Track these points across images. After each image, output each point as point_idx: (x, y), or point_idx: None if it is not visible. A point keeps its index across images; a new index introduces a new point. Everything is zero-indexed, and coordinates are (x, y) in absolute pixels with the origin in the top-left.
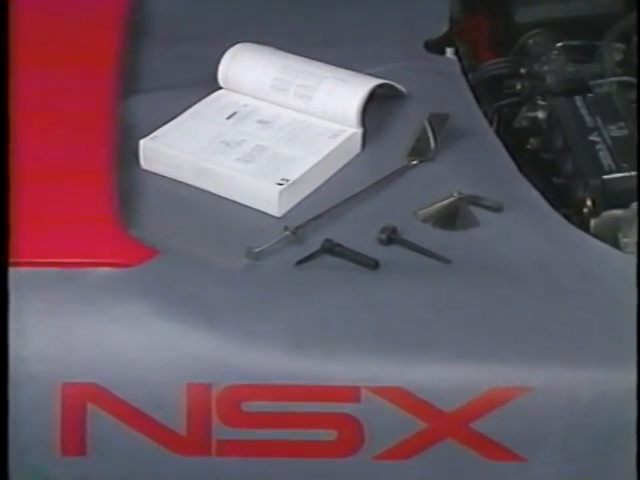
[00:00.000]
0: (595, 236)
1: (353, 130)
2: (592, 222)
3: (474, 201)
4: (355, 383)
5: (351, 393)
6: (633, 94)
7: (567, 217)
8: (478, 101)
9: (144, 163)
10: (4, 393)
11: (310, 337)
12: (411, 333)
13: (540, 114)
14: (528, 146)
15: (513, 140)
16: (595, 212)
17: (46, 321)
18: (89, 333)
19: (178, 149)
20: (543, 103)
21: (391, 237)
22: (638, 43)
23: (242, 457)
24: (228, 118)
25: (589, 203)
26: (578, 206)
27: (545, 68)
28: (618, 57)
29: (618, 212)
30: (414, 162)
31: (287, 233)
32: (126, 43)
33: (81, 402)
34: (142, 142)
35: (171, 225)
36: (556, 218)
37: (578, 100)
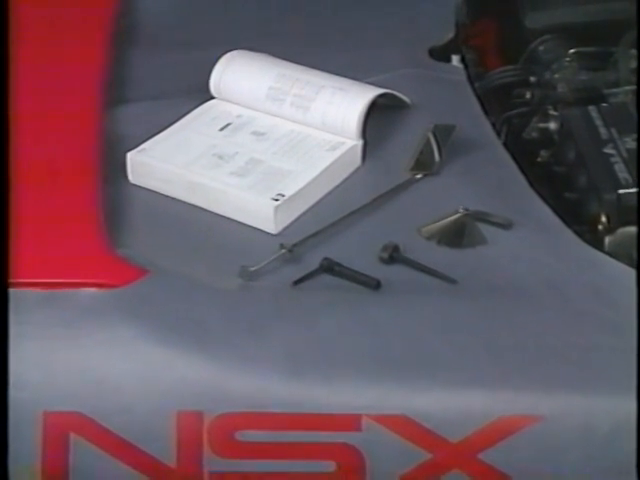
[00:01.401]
0: (610, 254)
1: (353, 142)
2: (607, 239)
3: (481, 217)
4: (356, 411)
5: (351, 421)
6: None
7: (580, 234)
8: (485, 111)
9: (132, 177)
10: (4, 395)
11: (308, 362)
12: (415, 358)
13: (551, 125)
14: (539, 159)
15: (523, 153)
16: (610, 229)
17: (27, 345)
18: (73, 358)
19: (168, 162)
20: (555, 113)
21: (393, 255)
22: (638, 48)
23: None
24: (221, 129)
25: (604, 219)
26: (592, 222)
27: (557, 76)
28: (634, 64)
29: (634, 229)
30: (418, 176)
31: (283, 251)
32: (112, 50)
33: (64, 432)
34: (130, 155)
35: (161, 243)
36: (569, 235)
37: (592, 110)
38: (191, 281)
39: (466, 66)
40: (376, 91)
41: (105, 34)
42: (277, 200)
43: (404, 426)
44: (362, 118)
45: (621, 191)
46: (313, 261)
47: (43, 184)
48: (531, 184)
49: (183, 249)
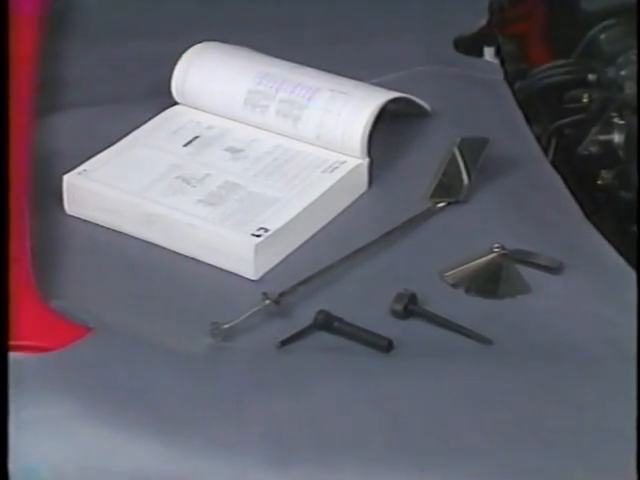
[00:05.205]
0: None
1: (357, 161)
2: None
3: (523, 258)
4: None
5: None
6: None
7: None
8: (529, 120)
9: (69, 206)
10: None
11: (298, 446)
12: (437, 441)
13: (616, 137)
14: (599, 181)
15: (577, 173)
16: None
17: None
18: None
19: (116, 188)
20: (620, 122)
21: (409, 308)
22: (638, 48)
23: None
24: (186, 145)
25: None
26: None
27: (622, 73)
28: None
29: None
30: (440, 204)
31: (267, 302)
32: (45, 43)
33: None
34: (66, 178)
35: (107, 292)
36: (636, 281)
37: None
38: (147, 342)
39: (503, 61)
40: (386, 95)
41: (35, 22)
42: (258, 236)
43: None
44: (368, 130)
45: None
46: (305, 315)
47: None
48: (588, 215)
49: (136, 300)
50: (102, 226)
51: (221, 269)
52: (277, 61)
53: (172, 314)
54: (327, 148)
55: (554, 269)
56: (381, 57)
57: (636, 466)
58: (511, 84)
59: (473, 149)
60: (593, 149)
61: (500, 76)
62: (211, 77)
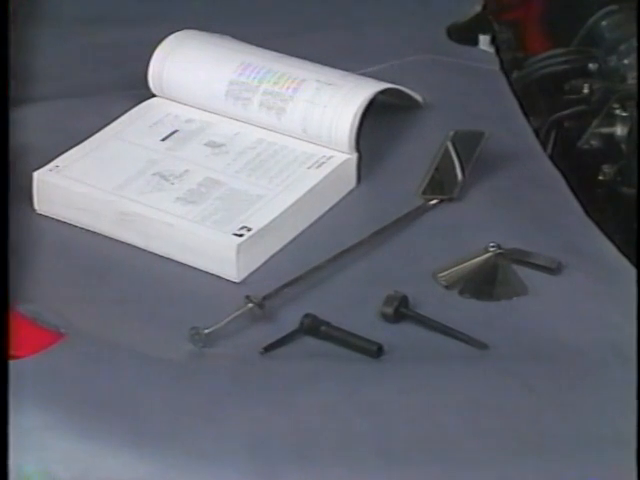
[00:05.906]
0: None
1: (345, 156)
2: None
3: (520, 258)
4: None
5: None
6: None
7: None
8: (526, 112)
9: (39, 205)
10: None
11: (283, 458)
12: (429, 449)
13: (617, 130)
14: (600, 177)
15: (577, 168)
16: None
17: None
18: None
19: (90, 185)
20: (622, 114)
21: (401, 310)
22: (638, 46)
23: None
24: (164, 139)
25: None
26: None
27: (625, 62)
28: None
29: None
30: (433, 202)
31: (250, 306)
32: (14, 29)
33: None
34: (37, 174)
35: (80, 296)
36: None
37: None
38: (123, 348)
39: (499, 50)
40: (376, 86)
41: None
42: (241, 236)
43: None
44: (357, 123)
45: None
46: (291, 319)
47: None
48: (588, 212)
49: (111, 304)
50: (75, 226)
51: (201, 271)
52: (260, 50)
53: (149, 319)
54: (313, 142)
55: (552, 269)
56: (370, 46)
57: (636, 470)
58: (507, 74)
59: (468, 143)
60: (594, 143)
61: (496, 66)
62: (190, 68)
